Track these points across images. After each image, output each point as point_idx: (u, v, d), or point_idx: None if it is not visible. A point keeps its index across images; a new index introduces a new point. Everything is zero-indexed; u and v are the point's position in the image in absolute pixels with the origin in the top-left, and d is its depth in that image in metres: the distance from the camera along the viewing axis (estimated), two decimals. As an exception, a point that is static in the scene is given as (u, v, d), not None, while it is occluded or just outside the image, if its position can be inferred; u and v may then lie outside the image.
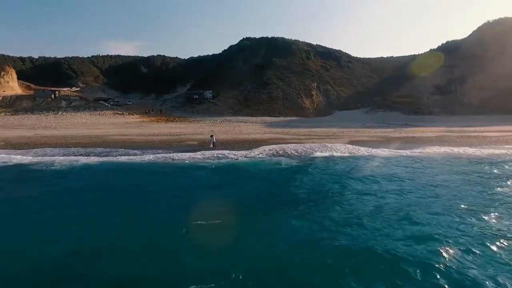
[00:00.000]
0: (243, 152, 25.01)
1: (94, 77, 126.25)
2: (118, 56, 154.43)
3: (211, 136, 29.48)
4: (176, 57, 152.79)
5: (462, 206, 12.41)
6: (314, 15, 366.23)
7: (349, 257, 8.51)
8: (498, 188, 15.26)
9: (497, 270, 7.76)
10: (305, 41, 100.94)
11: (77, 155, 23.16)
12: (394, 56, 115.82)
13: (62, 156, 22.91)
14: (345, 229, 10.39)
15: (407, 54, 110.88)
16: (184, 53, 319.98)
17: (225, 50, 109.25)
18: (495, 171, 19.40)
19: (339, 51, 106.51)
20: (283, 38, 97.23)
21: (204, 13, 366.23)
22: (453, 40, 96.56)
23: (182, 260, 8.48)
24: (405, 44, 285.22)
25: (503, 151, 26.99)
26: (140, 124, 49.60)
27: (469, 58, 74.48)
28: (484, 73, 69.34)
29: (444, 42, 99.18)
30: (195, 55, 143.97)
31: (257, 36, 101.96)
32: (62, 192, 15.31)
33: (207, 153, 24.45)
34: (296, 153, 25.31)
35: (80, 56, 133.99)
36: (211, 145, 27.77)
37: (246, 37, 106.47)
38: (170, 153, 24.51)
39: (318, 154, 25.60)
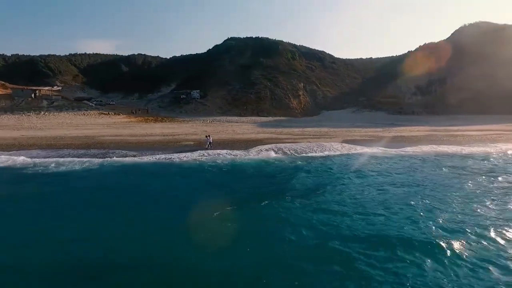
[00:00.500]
0: (243, 152, 25.05)
1: (73, 76, 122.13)
2: (97, 54, 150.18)
3: (207, 136, 29.24)
4: (158, 56, 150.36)
5: (459, 195, 13.25)
6: (296, 17, 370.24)
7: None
8: (495, 180, 16.60)
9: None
10: (289, 41, 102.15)
11: (73, 157, 22.46)
12: (373, 57, 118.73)
13: (57, 158, 22.13)
14: (368, 220, 10.73)
15: (386, 56, 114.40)
16: (166, 53, 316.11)
17: (210, 49, 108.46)
18: (489, 166, 20.59)
19: (323, 52, 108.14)
20: (267, 39, 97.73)
21: (185, 13, 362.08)
22: (431, 42, 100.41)
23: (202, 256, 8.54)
24: (384, 46, 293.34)
25: (488, 149, 28.38)
26: (129, 124, 48.49)
27: (447, 60, 77.58)
28: (461, 74, 72.50)
29: (422, 44, 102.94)
30: (178, 55, 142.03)
31: (241, 36, 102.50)
32: (69, 193, 14.91)
33: (208, 153, 24.34)
34: (295, 153, 25.61)
35: (57, 54, 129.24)
36: (207, 145, 27.60)
37: (231, 37, 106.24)
38: (169, 154, 24.21)
39: (317, 153, 26.01)
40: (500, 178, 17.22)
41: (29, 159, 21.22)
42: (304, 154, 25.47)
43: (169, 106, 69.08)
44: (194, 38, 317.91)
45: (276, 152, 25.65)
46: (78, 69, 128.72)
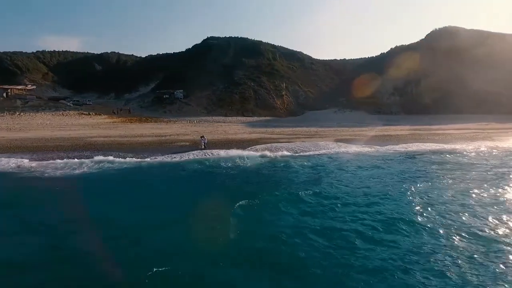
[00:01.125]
0: (245, 152, 25.14)
1: (42, 74, 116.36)
2: (67, 52, 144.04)
3: (202, 137, 29.02)
4: (132, 54, 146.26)
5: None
6: (273, 17, 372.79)
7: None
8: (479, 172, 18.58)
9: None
10: (267, 42, 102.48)
11: (69, 158, 21.62)
12: (347, 58, 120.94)
13: (58, 159, 21.23)
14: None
15: (359, 57, 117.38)
16: (139, 51, 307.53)
17: (189, 49, 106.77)
18: (473, 161, 22.54)
19: (301, 53, 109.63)
20: (248, 39, 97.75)
21: (157, 11, 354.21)
22: (402, 45, 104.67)
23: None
24: (357, 48, 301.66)
25: (470, 146, 30.27)
26: (114, 125, 46.92)
27: (421, 62, 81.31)
28: (434, 76, 76.27)
29: (393, 46, 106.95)
30: (154, 53, 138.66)
31: (218, 35, 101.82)
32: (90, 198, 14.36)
33: (212, 153, 24.21)
34: (295, 152, 26.06)
35: (24, 51, 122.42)
36: (202, 146, 27.41)
37: (211, 36, 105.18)
38: (169, 155, 23.91)
39: (315, 152, 26.61)
40: (483, 170, 18.96)
41: (32, 163, 20.24)
42: (303, 153, 26.03)
43: (152, 106, 67.47)
44: (169, 37, 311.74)
45: (276, 151, 25.98)
46: (48, 67, 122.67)
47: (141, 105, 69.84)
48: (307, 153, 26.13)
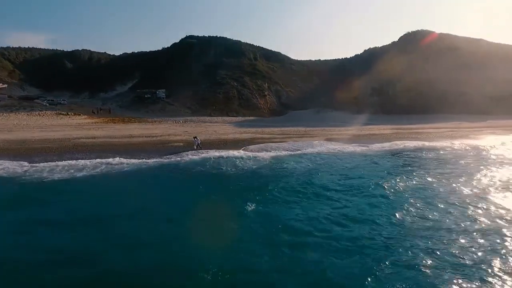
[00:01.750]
0: (242, 152, 25.22)
1: (8, 72, 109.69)
2: (34, 48, 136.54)
3: (194, 137, 28.74)
4: (105, 52, 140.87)
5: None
6: (249, 17, 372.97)
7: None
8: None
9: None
10: (247, 42, 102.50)
11: (64, 160, 20.76)
12: (321, 59, 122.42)
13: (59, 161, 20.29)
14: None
15: (334, 58, 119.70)
16: (112, 49, 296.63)
17: (168, 47, 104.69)
18: (452, 156, 24.11)
19: (279, 53, 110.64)
20: (227, 38, 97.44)
21: (128, 6, 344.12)
22: (375, 47, 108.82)
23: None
24: (331, 49, 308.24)
25: (448, 144, 32.12)
26: (97, 125, 45.30)
27: (396, 64, 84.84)
28: (409, 77, 79.88)
29: (367, 48, 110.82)
30: (128, 51, 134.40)
31: (195, 34, 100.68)
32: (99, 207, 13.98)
33: (219, 154, 24.01)
34: (293, 152, 26.35)
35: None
36: (195, 147, 27.15)
37: (190, 35, 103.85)
38: (167, 156, 23.43)
39: (311, 150, 27.16)
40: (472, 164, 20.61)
41: (24, 167, 19.20)
42: (300, 152, 26.41)
43: (133, 106, 65.66)
44: (144, 35, 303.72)
45: (274, 151, 26.29)
46: (13, 65, 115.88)
47: (120, 105, 67.78)
48: (305, 152, 26.57)
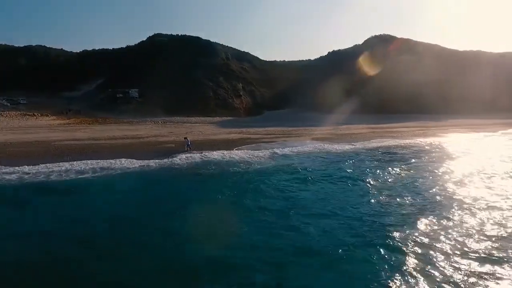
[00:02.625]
0: (241, 152, 25.47)
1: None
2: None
3: (185, 138, 28.59)
4: (62, 49, 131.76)
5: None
6: (213, 17, 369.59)
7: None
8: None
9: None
10: (216, 41, 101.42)
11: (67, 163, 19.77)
12: (286, 60, 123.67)
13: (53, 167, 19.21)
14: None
15: (298, 59, 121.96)
16: (68, 45, 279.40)
17: (135, 45, 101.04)
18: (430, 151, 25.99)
19: (249, 54, 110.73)
20: (200, 38, 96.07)
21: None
22: (339, 50, 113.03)
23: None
24: (295, 50, 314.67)
25: (422, 141, 34.71)
26: (72, 126, 43.14)
27: (362, 65, 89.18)
28: (376, 79, 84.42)
29: (331, 50, 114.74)
30: (89, 49, 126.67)
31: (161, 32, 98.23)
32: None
33: (226, 156, 23.84)
34: (289, 151, 26.87)
35: None
36: (186, 148, 26.97)
37: (158, 33, 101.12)
38: (167, 158, 22.99)
39: (307, 149, 27.94)
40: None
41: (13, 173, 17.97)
42: (296, 151, 27.05)
43: (105, 106, 62.79)
44: (102, 32, 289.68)
45: (270, 150, 26.71)
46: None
47: (90, 105, 64.49)
48: (303, 150, 27.21)
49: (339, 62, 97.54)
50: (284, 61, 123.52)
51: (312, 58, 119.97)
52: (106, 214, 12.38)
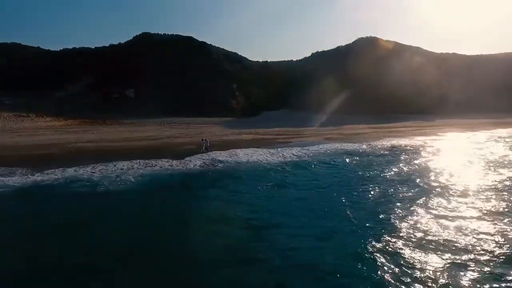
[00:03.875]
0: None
1: None
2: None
3: (203, 139, 28.34)
4: (39, 47, 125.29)
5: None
6: (199, 17, 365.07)
7: None
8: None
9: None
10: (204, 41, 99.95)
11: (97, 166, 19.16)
12: (269, 61, 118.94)
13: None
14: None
15: (280, 60, 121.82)
16: (43, 43, 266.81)
17: (122, 44, 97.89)
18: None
19: (236, 53, 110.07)
20: (192, 38, 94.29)
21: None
22: (323, 51, 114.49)
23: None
24: (278, 50, 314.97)
25: (428, 139, 36.04)
26: (75, 128, 41.55)
27: (351, 66, 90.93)
28: (364, 80, 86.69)
29: (315, 51, 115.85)
30: (69, 47, 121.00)
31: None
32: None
33: (242, 156, 23.72)
34: (320, 151, 27.26)
35: None
36: (204, 149, 26.66)
37: (146, 32, 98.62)
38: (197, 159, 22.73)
39: (329, 147, 28.41)
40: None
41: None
42: (322, 149, 27.53)
43: (101, 106, 60.68)
44: (80, 30, 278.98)
45: (296, 149, 26.92)
46: None
47: (84, 106, 62.08)
48: (329, 149, 27.51)
49: (325, 62, 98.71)
50: (266, 61, 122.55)
51: (298, 58, 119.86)
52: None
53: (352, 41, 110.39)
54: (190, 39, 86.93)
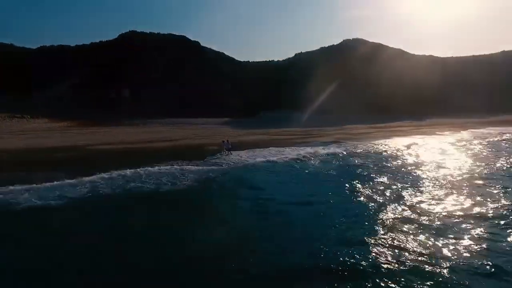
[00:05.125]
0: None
1: None
2: None
3: (224, 141, 27.73)
4: (12, 44, 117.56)
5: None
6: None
7: None
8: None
9: None
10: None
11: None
12: (250, 61, 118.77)
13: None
14: None
15: (262, 60, 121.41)
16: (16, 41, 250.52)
17: (109, 42, 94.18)
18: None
19: (223, 53, 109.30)
20: (186, 37, 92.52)
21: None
22: (307, 51, 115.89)
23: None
24: (261, 51, 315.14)
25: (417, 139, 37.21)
26: (76, 129, 39.63)
27: (342, 67, 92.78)
28: (357, 80, 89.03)
29: (298, 52, 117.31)
30: (47, 45, 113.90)
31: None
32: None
33: (292, 154, 23.59)
34: (345, 150, 27.51)
35: None
36: (225, 151, 26.18)
37: (132, 30, 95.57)
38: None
39: (353, 147, 28.70)
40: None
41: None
42: (348, 149, 27.79)
43: (98, 107, 58.05)
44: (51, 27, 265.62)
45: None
46: None
47: (79, 106, 59.16)
48: (353, 149, 27.86)
49: (308, 64, 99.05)
50: (248, 61, 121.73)
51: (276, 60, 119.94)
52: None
53: (340, 41, 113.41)
54: (183, 38, 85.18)
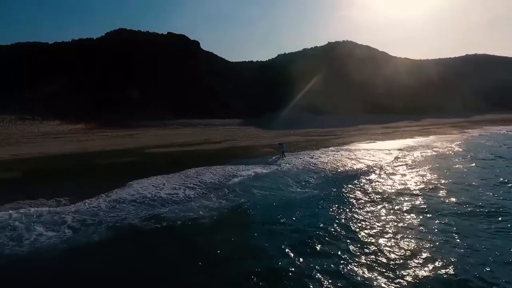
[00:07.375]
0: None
1: None
2: None
3: (280, 143, 27.43)
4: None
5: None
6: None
7: None
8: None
9: None
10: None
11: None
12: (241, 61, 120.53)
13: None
14: None
15: (247, 60, 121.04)
16: None
17: (99, 40, 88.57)
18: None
19: (215, 55, 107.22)
20: (185, 37, 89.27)
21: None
22: (291, 53, 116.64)
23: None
24: (252, 51, 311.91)
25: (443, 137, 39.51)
26: (99, 132, 37.44)
27: (324, 67, 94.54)
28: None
29: (282, 53, 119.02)
30: (23, 41, 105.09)
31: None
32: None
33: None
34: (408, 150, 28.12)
35: None
36: (281, 154, 25.64)
37: (121, 28, 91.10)
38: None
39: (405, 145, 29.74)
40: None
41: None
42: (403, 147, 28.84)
43: (104, 108, 54.83)
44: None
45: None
46: None
47: (79, 107, 55.48)
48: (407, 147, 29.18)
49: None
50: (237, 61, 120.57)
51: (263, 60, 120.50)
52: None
53: (325, 43, 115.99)
54: (182, 37, 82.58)
